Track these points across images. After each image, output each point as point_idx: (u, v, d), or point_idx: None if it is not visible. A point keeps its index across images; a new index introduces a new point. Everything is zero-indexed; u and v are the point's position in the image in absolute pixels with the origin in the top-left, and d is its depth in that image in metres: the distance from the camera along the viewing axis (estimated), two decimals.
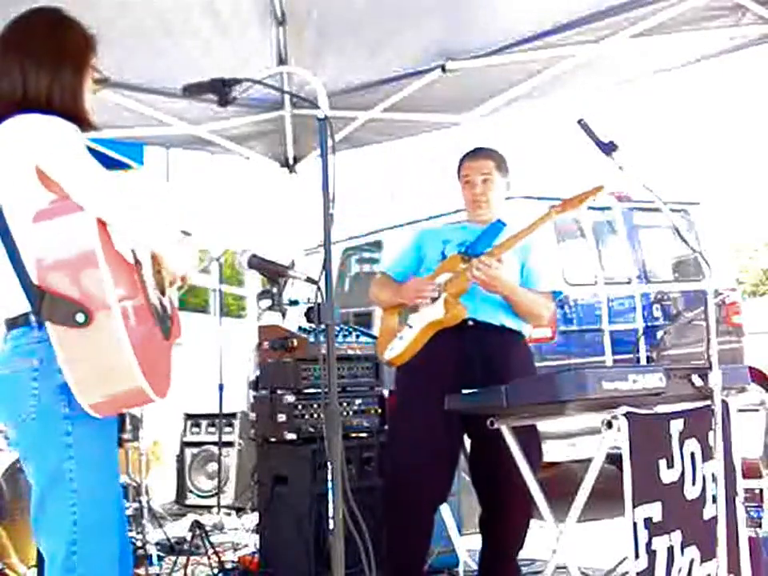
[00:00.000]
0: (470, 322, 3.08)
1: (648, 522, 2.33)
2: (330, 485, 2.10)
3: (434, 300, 3.10)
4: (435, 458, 3.03)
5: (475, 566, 3.42)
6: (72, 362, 1.80)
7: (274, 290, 2.27)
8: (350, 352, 3.97)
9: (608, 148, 2.56)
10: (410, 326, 3.15)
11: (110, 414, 1.93)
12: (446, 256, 3.20)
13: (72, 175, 1.85)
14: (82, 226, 1.78)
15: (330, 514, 2.09)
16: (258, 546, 3.99)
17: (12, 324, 1.91)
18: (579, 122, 2.59)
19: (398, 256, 3.44)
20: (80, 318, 1.76)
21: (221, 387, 5.22)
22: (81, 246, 1.78)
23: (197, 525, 4.00)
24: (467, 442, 3.21)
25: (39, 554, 3.31)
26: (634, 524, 2.28)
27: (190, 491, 5.73)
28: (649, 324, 5.67)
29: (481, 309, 3.09)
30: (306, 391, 3.85)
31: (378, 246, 6.78)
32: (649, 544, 2.33)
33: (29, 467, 1.97)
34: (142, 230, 1.95)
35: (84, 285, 1.77)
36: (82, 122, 2.02)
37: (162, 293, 2.09)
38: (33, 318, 1.85)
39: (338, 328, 3.98)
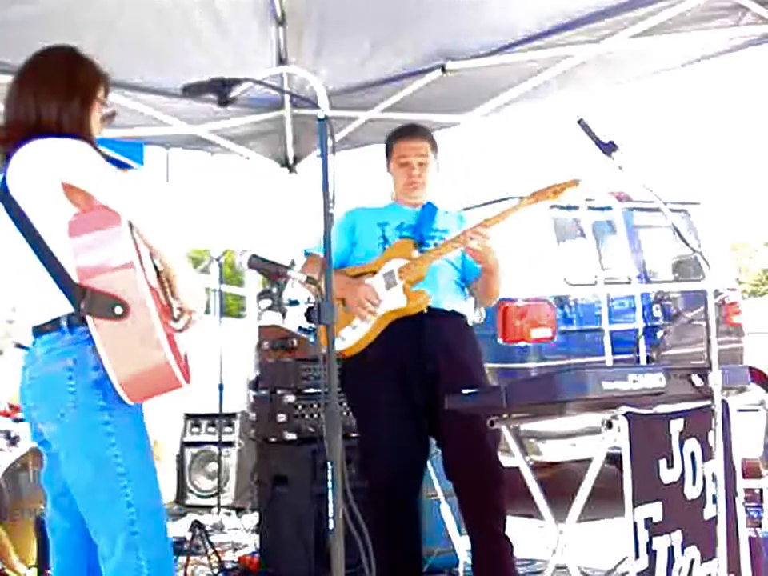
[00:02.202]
0: (425, 310, 3.05)
1: (648, 521, 2.33)
2: (329, 485, 2.10)
3: (389, 287, 3.06)
4: (406, 453, 3.04)
5: None
6: (109, 348, 1.98)
7: (274, 290, 2.27)
8: None
9: (608, 148, 2.55)
10: None
11: (140, 396, 2.06)
12: (387, 239, 3.15)
13: (105, 186, 2.03)
14: (120, 236, 1.98)
15: (330, 514, 2.09)
16: (257, 546, 3.99)
17: (41, 330, 2.08)
18: (579, 121, 2.59)
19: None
20: (118, 310, 1.95)
21: (221, 387, 5.22)
22: (119, 253, 1.98)
23: (197, 525, 4.00)
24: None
25: (39, 554, 3.32)
26: (635, 524, 2.28)
27: (190, 491, 5.72)
28: (649, 324, 5.66)
29: (434, 296, 3.06)
30: (306, 391, 3.85)
31: None
32: (649, 544, 2.32)
33: (69, 461, 2.08)
34: (165, 235, 2.09)
35: (121, 283, 1.97)
36: None
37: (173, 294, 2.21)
38: (63, 322, 2.02)
39: None
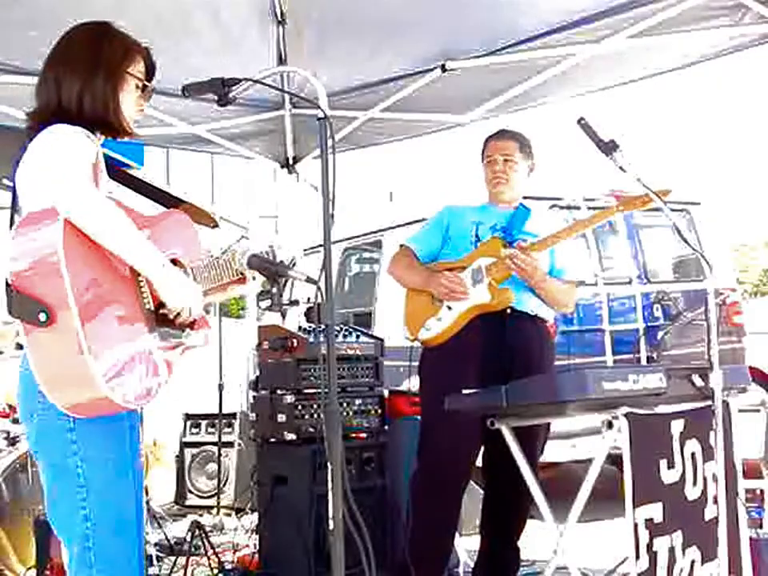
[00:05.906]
0: (509, 310, 3.13)
1: (649, 522, 2.32)
2: (329, 485, 2.10)
3: (476, 283, 3.13)
4: (469, 441, 3.10)
5: None
6: (39, 363, 1.84)
7: (274, 290, 2.26)
8: (350, 352, 3.96)
9: (608, 148, 2.55)
10: (449, 308, 3.17)
11: (90, 416, 1.91)
12: (479, 238, 3.23)
13: (50, 185, 1.86)
14: (50, 232, 1.82)
15: (330, 514, 2.09)
16: (257, 547, 3.99)
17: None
18: (579, 121, 2.59)
19: (423, 232, 3.41)
20: (42, 317, 1.79)
21: (221, 387, 5.21)
22: (45, 251, 1.82)
23: (196, 525, 3.99)
24: None
25: (38, 555, 3.31)
26: (635, 524, 2.28)
27: (190, 492, 5.72)
28: (649, 324, 5.66)
29: (519, 297, 3.13)
30: (306, 391, 3.84)
31: (378, 245, 6.77)
32: (650, 545, 2.32)
33: (39, 463, 2.03)
34: (118, 242, 1.89)
35: (46, 287, 1.81)
36: (117, 128, 2.09)
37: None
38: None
39: (338, 328, 3.98)
